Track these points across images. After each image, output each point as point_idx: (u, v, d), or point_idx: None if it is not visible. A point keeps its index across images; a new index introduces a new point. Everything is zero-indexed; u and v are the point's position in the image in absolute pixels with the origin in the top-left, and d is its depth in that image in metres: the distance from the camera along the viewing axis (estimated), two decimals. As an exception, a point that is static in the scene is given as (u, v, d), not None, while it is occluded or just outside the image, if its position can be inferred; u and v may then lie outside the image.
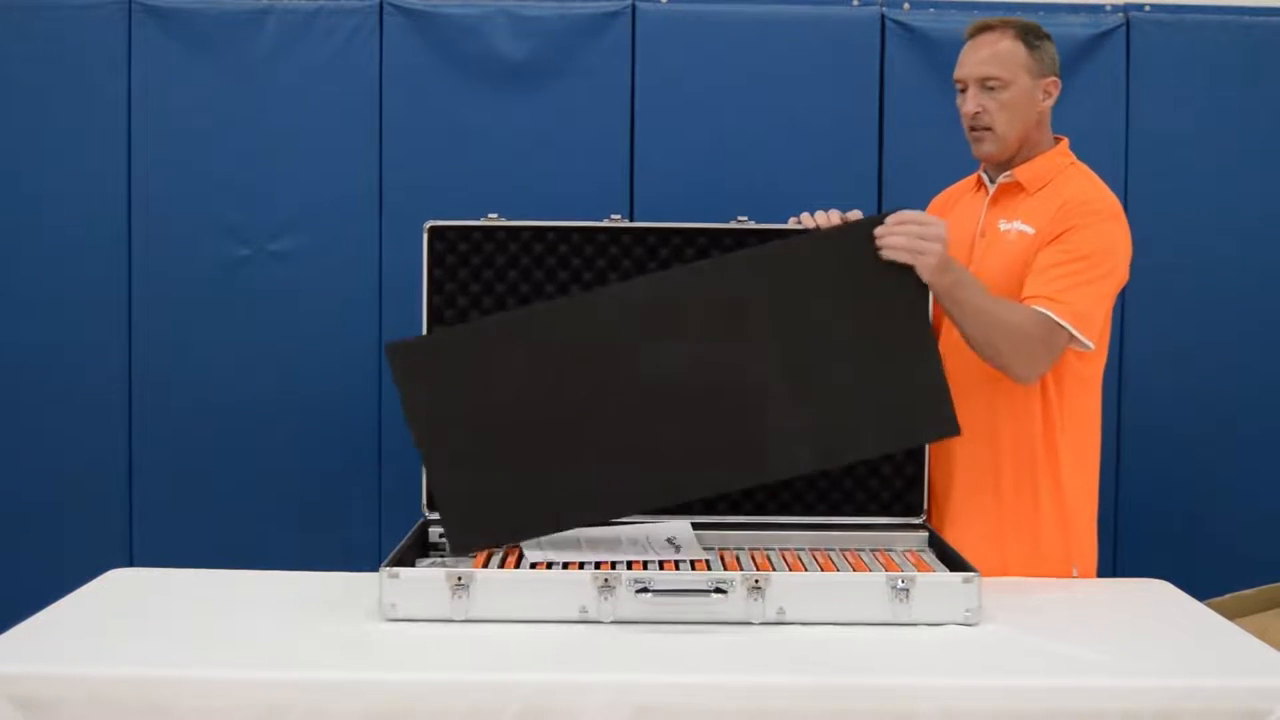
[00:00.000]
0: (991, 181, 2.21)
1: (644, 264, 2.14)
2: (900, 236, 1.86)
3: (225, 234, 2.99)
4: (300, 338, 3.00)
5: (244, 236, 2.99)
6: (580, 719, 1.54)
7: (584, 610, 1.76)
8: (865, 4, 3.02)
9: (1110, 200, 2.12)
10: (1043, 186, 2.13)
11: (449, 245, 2.14)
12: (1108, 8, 3.01)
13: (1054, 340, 2.00)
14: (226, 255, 2.99)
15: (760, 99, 2.96)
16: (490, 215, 2.15)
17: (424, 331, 2.13)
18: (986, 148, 2.15)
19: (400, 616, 1.76)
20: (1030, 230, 2.10)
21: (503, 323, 1.94)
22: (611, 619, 1.75)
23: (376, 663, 1.62)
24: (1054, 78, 2.16)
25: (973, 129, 2.15)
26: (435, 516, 2.12)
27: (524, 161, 2.98)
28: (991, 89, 2.12)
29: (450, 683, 1.57)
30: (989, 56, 2.13)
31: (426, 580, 1.77)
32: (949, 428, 1.90)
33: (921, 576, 1.77)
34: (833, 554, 2.04)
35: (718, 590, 1.75)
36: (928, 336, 1.92)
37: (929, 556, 2.03)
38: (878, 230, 1.87)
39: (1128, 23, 2.98)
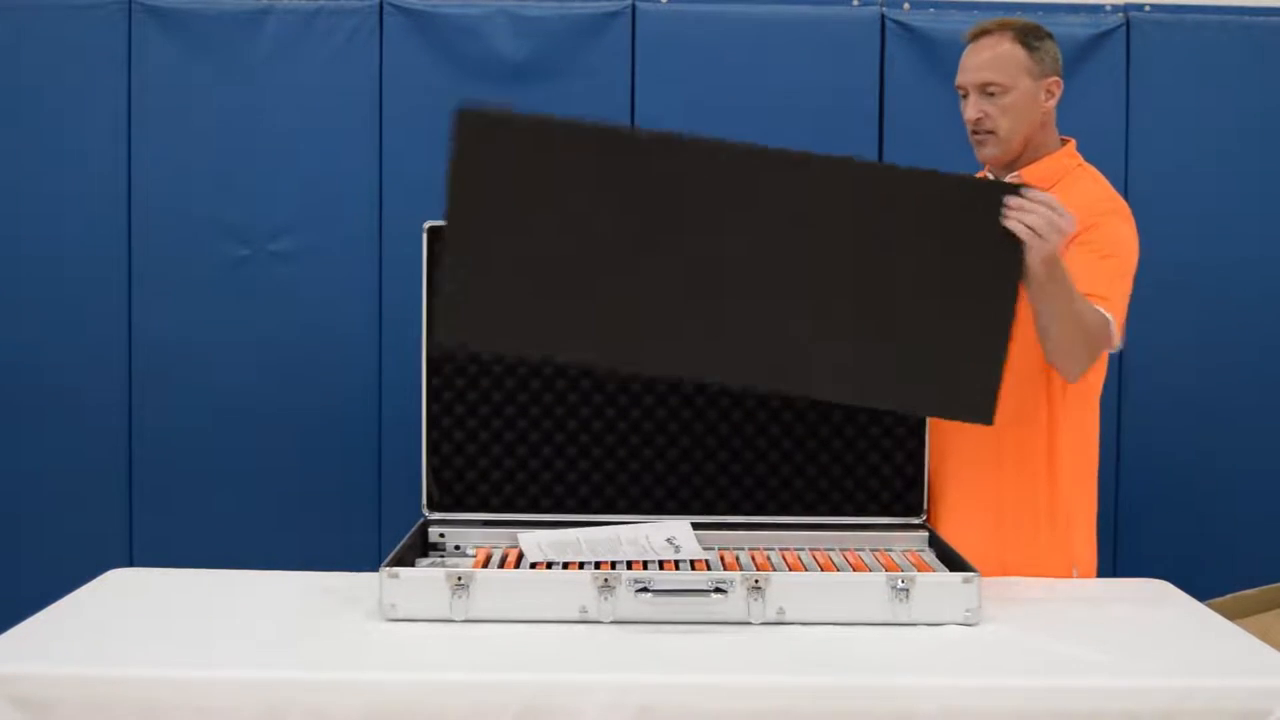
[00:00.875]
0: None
1: None
2: (1035, 215, 1.78)
3: (225, 234, 2.99)
4: (300, 338, 3.00)
5: (244, 236, 2.99)
6: (581, 719, 1.54)
7: (584, 610, 1.76)
8: (865, 4, 3.02)
9: (1122, 201, 2.13)
10: (1050, 187, 2.09)
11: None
12: (1108, 8, 3.01)
13: (1107, 339, 1.99)
14: (226, 255, 2.99)
15: (760, 99, 2.96)
16: None
17: (424, 332, 2.13)
18: (989, 151, 2.14)
19: (400, 616, 1.76)
20: None
21: (584, 131, 1.81)
22: (611, 619, 1.75)
23: (376, 663, 1.62)
24: (1056, 78, 2.15)
25: (975, 133, 2.14)
26: (435, 516, 2.12)
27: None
28: (992, 94, 2.11)
29: (451, 683, 1.57)
30: (989, 61, 2.11)
31: (426, 580, 1.77)
32: (985, 416, 1.83)
33: (921, 576, 1.77)
34: (833, 554, 2.04)
35: (717, 590, 1.75)
36: (1007, 319, 1.82)
37: (929, 556, 2.03)
38: (1012, 200, 1.79)
39: (1128, 23, 2.98)
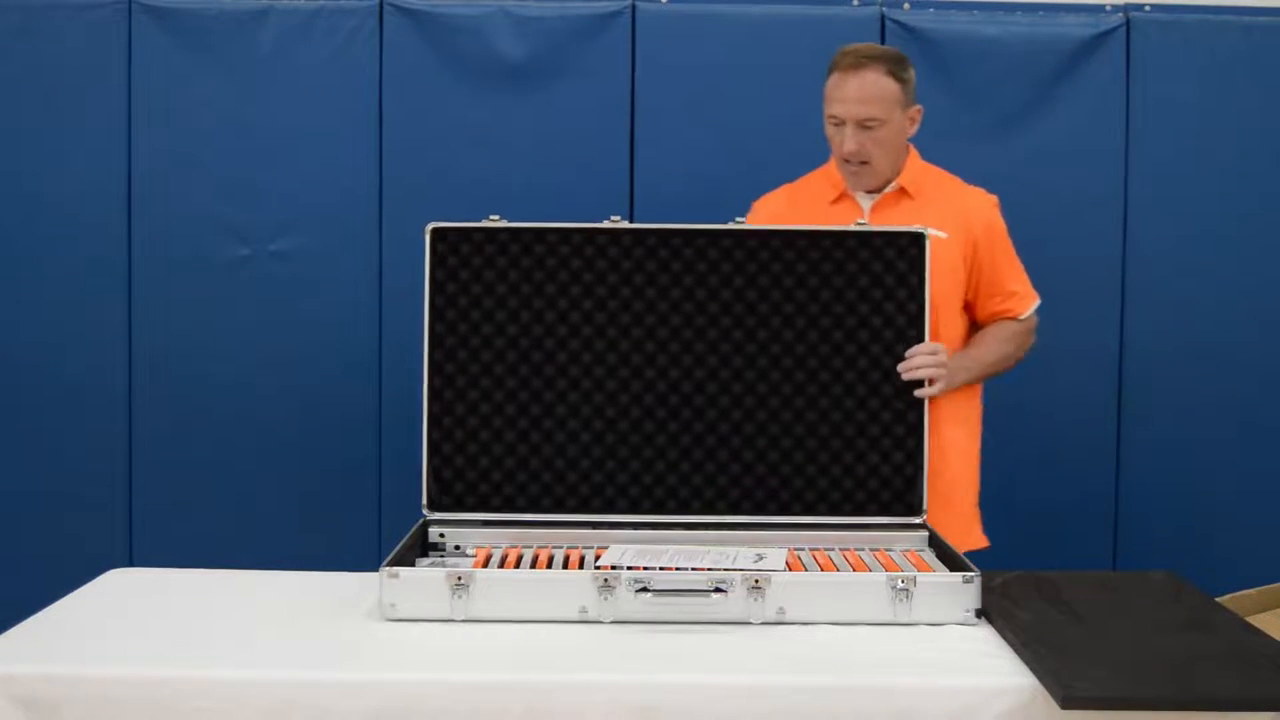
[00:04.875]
0: (866, 193, 2.34)
1: (644, 264, 2.15)
2: (924, 370, 2.09)
3: (225, 234, 2.99)
4: (300, 337, 3.00)
5: (244, 236, 2.99)
6: (582, 719, 1.54)
7: (584, 610, 1.76)
8: (865, 4, 3.02)
9: (983, 192, 2.38)
10: (919, 198, 2.32)
11: (451, 247, 2.14)
12: (1108, 8, 3.01)
13: (1030, 334, 2.42)
14: (226, 255, 2.99)
15: (760, 99, 2.97)
16: (492, 217, 2.15)
17: (426, 332, 2.13)
18: (865, 181, 2.30)
19: (400, 616, 1.76)
20: (944, 235, 2.24)
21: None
22: (611, 619, 1.75)
23: (377, 663, 1.62)
24: (918, 106, 2.32)
25: (848, 162, 2.27)
26: (435, 516, 2.12)
27: (524, 161, 2.98)
28: (870, 128, 2.24)
29: (452, 683, 1.57)
30: (870, 96, 2.24)
31: (426, 580, 1.77)
32: None
33: (922, 576, 1.77)
34: (833, 554, 2.04)
35: (717, 590, 1.75)
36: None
37: (929, 556, 2.03)
38: (902, 366, 2.10)
39: (1128, 23, 2.98)
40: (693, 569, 1.84)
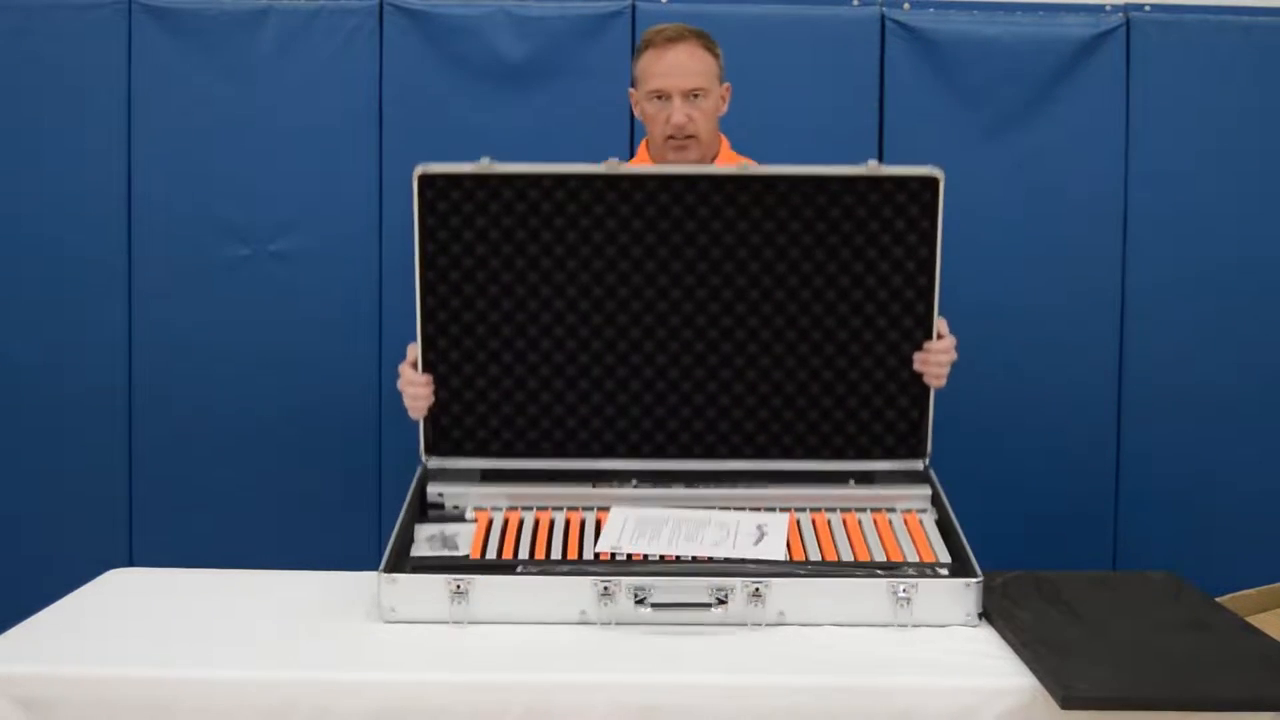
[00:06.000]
0: None
1: (643, 209, 2.08)
2: (941, 367, 2.08)
3: (225, 234, 2.99)
4: (300, 338, 3.00)
5: (244, 236, 2.99)
6: (582, 719, 1.54)
7: (583, 614, 1.75)
8: (865, 4, 3.02)
9: None
10: None
11: (440, 193, 2.07)
12: (1108, 8, 3.01)
13: None
14: (226, 255, 2.99)
15: (760, 99, 2.96)
16: (483, 159, 2.09)
17: (417, 279, 2.08)
18: (692, 155, 2.25)
19: (399, 619, 1.76)
20: None
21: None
22: (612, 622, 1.75)
23: (377, 663, 1.62)
24: (728, 84, 2.33)
25: (674, 138, 2.23)
26: (435, 464, 2.10)
27: (524, 161, 2.97)
28: (696, 98, 2.23)
29: (453, 683, 1.57)
30: (696, 69, 2.23)
31: (425, 584, 1.76)
32: None
33: (924, 584, 1.77)
34: (833, 518, 1.99)
35: (719, 603, 1.74)
36: None
37: (928, 521, 2.00)
38: (918, 355, 2.09)
39: (1128, 23, 2.98)
40: (693, 558, 1.83)
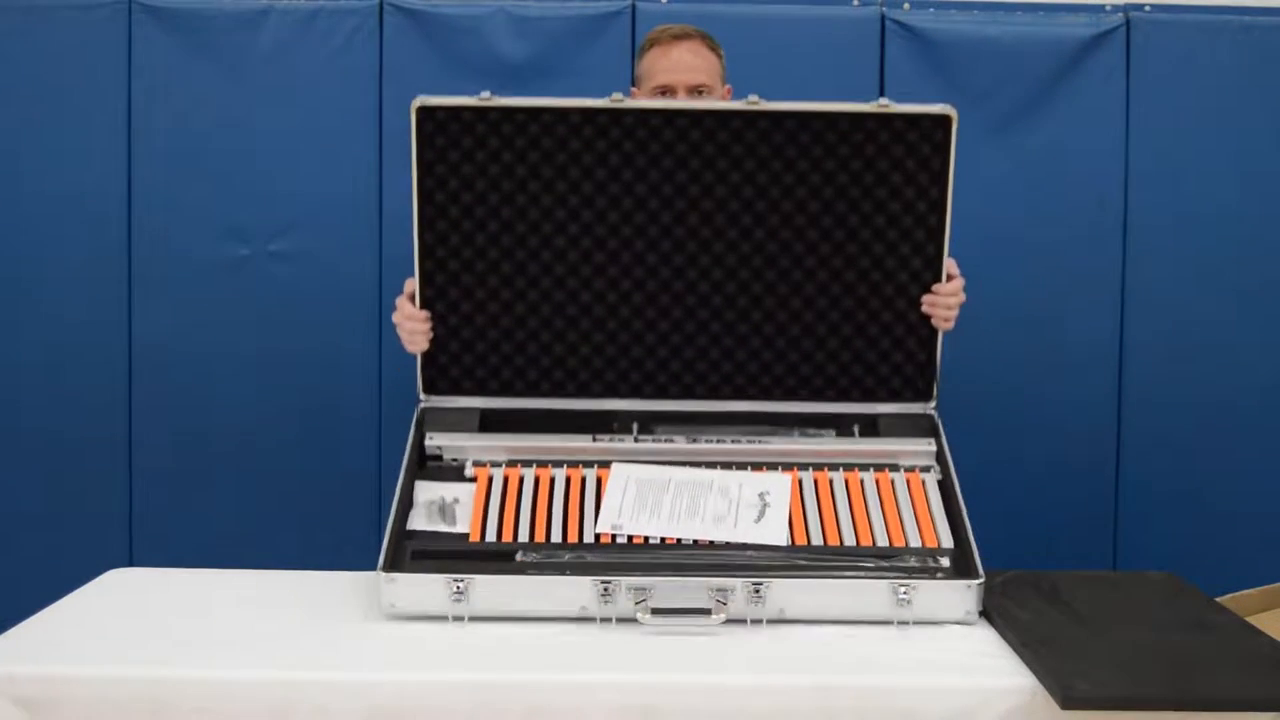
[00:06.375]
0: None
1: (647, 146, 2.04)
2: (950, 310, 2.07)
3: (225, 234, 2.99)
4: (300, 338, 3.00)
5: (244, 236, 2.99)
6: (582, 719, 1.54)
7: (583, 609, 1.76)
8: (865, 4, 3.02)
9: None
10: None
11: (439, 126, 2.02)
12: (1108, 8, 3.01)
13: None
14: (226, 255, 2.99)
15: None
16: (484, 94, 2.05)
17: (415, 215, 2.04)
18: None
19: (400, 614, 1.76)
20: None
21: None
22: (613, 617, 1.75)
23: (377, 663, 1.62)
24: (729, 86, 2.33)
25: None
26: (432, 404, 2.08)
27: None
28: (700, 95, 2.23)
29: (454, 683, 1.57)
30: (701, 66, 2.25)
31: (424, 582, 1.76)
32: None
33: (924, 585, 1.77)
34: (835, 477, 1.97)
35: (718, 605, 1.74)
36: None
37: (930, 483, 1.98)
38: (926, 298, 2.06)
39: (1128, 23, 2.98)
40: (695, 543, 1.82)
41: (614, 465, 1.94)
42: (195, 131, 2.97)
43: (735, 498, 1.87)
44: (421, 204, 2.04)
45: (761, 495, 1.88)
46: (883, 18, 2.99)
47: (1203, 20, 2.99)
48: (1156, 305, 2.99)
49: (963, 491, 2.00)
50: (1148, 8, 3.01)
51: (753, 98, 2.06)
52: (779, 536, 1.84)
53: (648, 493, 1.87)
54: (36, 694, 1.56)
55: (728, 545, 1.83)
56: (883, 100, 2.03)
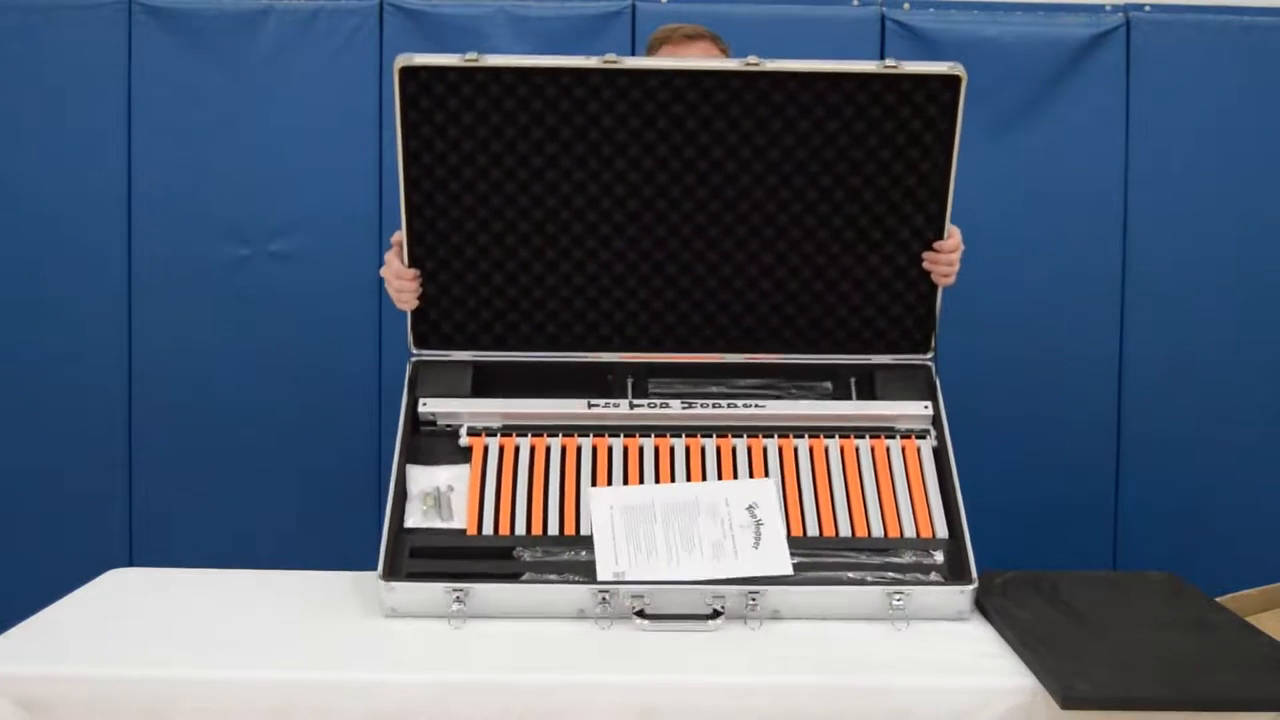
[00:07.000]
0: None
1: (641, 106, 1.96)
2: (950, 266, 2.05)
3: (225, 234, 2.99)
4: (300, 338, 3.00)
5: (244, 236, 2.99)
6: (582, 719, 1.54)
7: (581, 612, 1.76)
8: (865, 4, 3.02)
9: None
10: None
11: (423, 86, 1.93)
12: (1108, 8, 3.01)
13: None
14: (226, 255, 2.99)
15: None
16: (470, 54, 1.94)
17: (401, 176, 1.99)
18: None
19: (400, 615, 1.77)
20: None
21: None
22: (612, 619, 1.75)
23: (377, 663, 1.62)
24: None
25: None
26: (425, 356, 2.06)
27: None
28: None
29: (454, 683, 1.57)
30: None
31: (423, 590, 1.76)
32: None
33: (918, 592, 1.77)
34: (830, 445, 1.97)
35: (715, 614, 1.74)
36: None
37: (926, 454, 1.97)
38: (928, 255, 2.05)
39: (1128, 23, 2.98)
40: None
41: (592, 494, 1.89)
42: (195, 131, 2.98)
43: (726, 518, 1.85)
44: (407, 164, 1.99)
45: (751, 510, 1.86)
46: (883, 18, 2.99)
47: (1203, 20, 2.99)
48: (1157, 305, 2.99)
49: (962, 491, 2.00)
50: (1148, 8, 3.01)
51: (752, 58, 1.97)
52: (782, 565, 1.81)
53: (636, 525, 1.83)
54: (36, 694, 1.56)
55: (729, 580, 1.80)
56: (889, 60, 1.97)
